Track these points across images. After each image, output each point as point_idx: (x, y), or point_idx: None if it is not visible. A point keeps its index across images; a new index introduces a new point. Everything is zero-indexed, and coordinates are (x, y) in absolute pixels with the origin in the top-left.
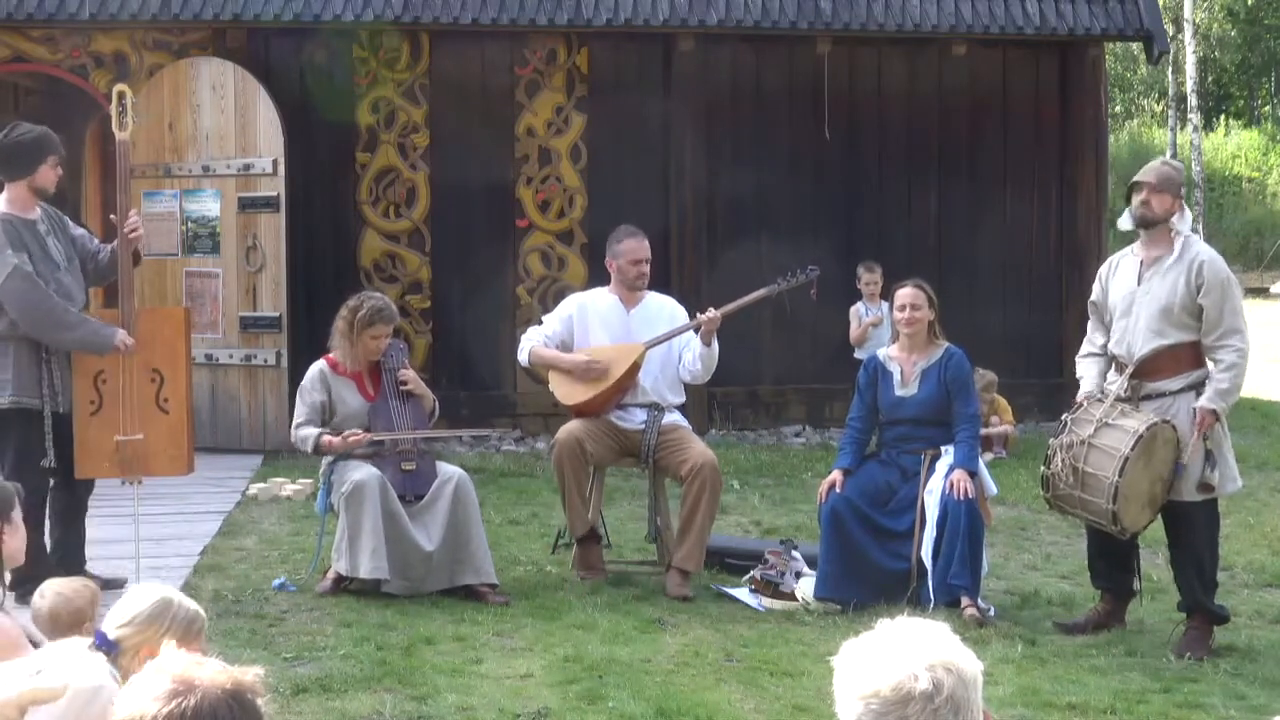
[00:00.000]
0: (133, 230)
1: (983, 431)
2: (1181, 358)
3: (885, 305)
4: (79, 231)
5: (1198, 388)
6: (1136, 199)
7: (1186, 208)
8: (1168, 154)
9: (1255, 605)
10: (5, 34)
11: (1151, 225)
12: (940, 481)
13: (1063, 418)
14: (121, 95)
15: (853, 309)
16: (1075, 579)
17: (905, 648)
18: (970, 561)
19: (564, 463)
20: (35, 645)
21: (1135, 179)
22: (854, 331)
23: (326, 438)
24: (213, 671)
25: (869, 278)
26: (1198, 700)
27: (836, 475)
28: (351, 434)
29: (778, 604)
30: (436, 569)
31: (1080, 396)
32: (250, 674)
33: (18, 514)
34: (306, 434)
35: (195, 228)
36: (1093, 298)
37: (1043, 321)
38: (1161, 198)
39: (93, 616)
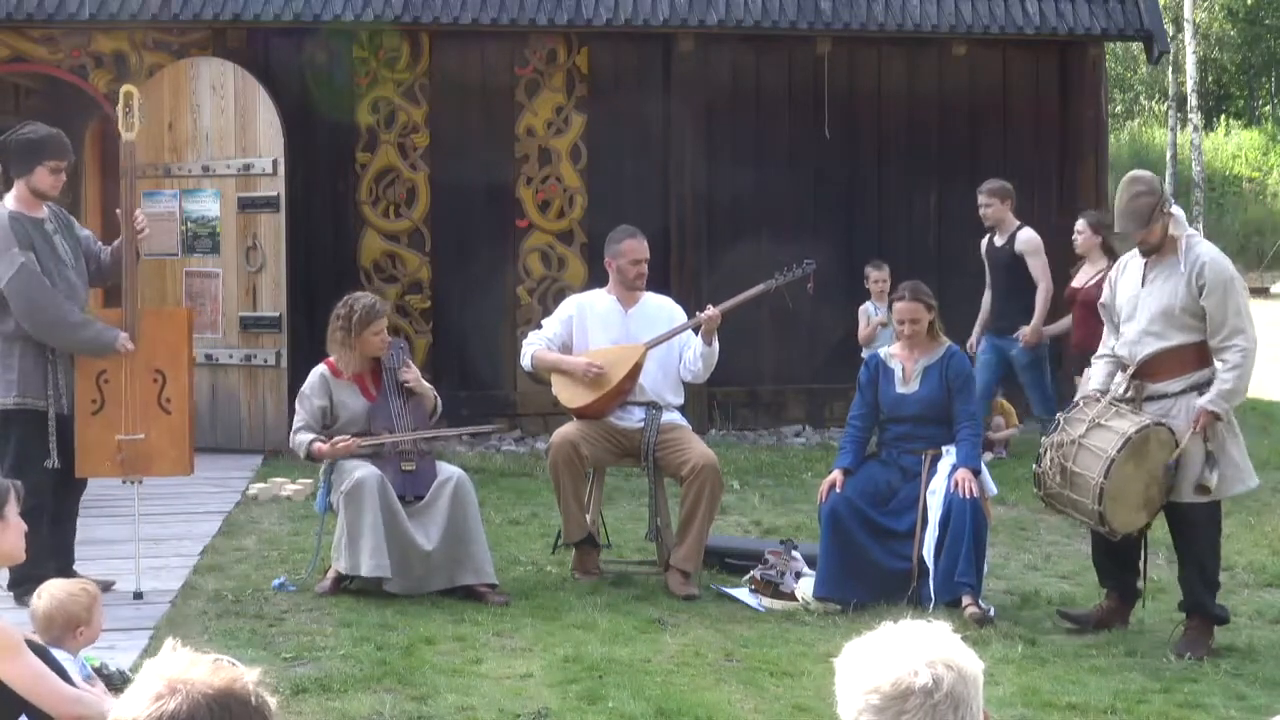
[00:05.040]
0: (141, 230)
1: (992, 436)
2: (1185, 359)
3: None
4: (85, 233)
5: (1200, 388)
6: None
7: (1172, 205)
8: (1168, 154)
9: (1255, 605)
10: (5, 34)
11: (1158, 249)
12: (943, 481)
13: (1057, 416)
14: (129, 96)
15: (861, 308)
16: (1075, 579)
17: (906, 645)
18: (975, 561)
19: (559, 468)
20: (34, 645)
21: (1116, 231)
22: (862, 330)
23: (317, 445)
24: (204, 673)
25: (876, 275)
26: (1198, 700)
27: (836, 475)
28: (340, 440)
29: (778, 604)
30: (436, 569)
31: (1078, 396)
32: (247, 676)
33: (13, 510)
34: (301, 440)
35: (195, 228)
36: (1102, 300)
37: None
38: (1149, 231)
39: (88, 621)
